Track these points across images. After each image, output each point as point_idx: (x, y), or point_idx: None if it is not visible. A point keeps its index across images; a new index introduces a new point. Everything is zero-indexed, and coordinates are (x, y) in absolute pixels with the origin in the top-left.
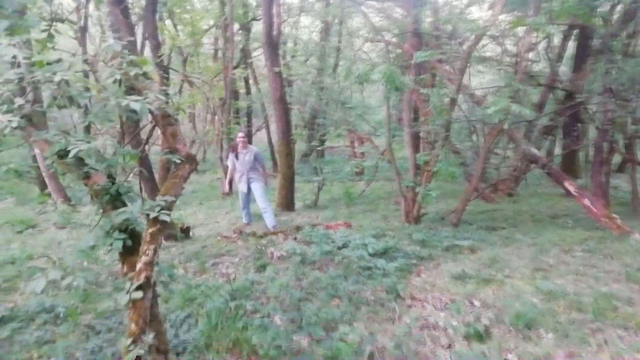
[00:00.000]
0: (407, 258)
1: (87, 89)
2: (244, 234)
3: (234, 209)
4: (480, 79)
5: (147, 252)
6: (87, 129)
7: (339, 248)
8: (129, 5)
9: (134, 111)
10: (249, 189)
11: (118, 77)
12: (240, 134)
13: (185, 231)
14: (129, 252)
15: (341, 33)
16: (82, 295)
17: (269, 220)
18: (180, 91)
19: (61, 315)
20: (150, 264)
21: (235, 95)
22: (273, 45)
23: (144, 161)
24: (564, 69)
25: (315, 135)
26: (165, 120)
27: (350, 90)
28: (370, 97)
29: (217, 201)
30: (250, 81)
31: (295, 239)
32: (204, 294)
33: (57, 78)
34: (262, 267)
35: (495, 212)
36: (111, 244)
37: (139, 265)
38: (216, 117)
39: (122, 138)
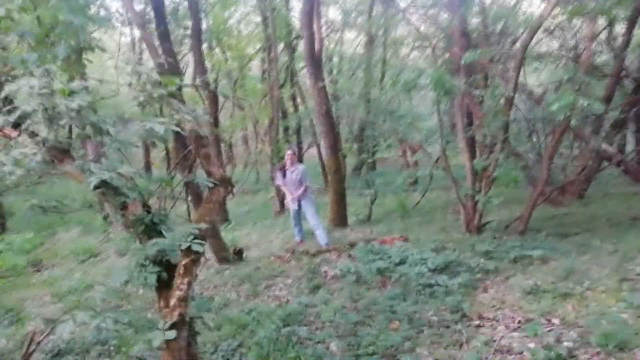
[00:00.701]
0: (472, 272)
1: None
2: (296, 253)
3: (286, 227)
4: (536, 78)
5: (180, 286)
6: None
7: (396, 264)
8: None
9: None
10: (299, 206)
11: (141, 99)
12: (289, 152)
13: (238, 253)
14: (165, 286)
15: (386, 44)
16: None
17: (321, 238)
18: (231, 115)
19: (112, 348)
20: (184, 300)
21: (284, 114)
22: (315, 60)
23: (192, 185)
24: (632, 57)
25: (364, 148)
26: (197, 142)
27: (399, 99)
28: (419, 105)
29: (270, 220)
30: (298, 99)
31: (350, 256)
32: (255, 320)
33: (74, 105)
34: (316, 288)
35: (565, 217)
36: (145, 278)
37: (172, 301)
38: (267, 137)
39: (168, 163)
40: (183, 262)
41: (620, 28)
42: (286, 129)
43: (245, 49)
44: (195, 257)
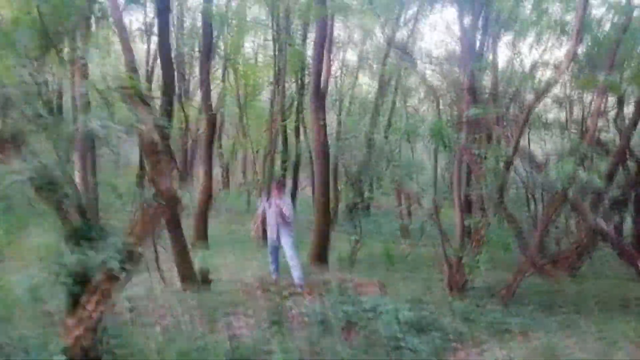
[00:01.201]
0: (445, 335)
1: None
2: (266, 290)
3: (265, 256)
4: (540, 147)
5: (87, 306)
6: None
7: (366, 311)
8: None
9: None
10: (278, 239)
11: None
12: (275, 184)
13: (206, 279)
14: (74, 303)
15: (396, 93)
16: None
17: (296, 275)
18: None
19: None
20: (87, 322)
21: (285, 146)
22: (320, 96)
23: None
24: (638, 139)
25: (358, 189)
26: (149, 148)
27: (399, 147)
28: (422, 156)
29: (251, 248)
30: (301, 134)
31: (320, 294)
32: (200, 349)
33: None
34: (277, 329)
35: (554, 292)
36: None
37: (70, 322)
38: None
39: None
40: (97, 280)
41: (629, 109)
42: (284, 161)
43: (257, 76)
44: (112, 276)
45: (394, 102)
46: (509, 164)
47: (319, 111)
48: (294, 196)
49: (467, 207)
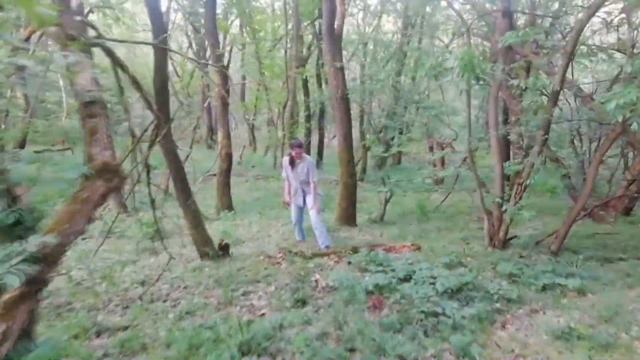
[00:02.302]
0: (489, 301)
1: None
2: (290, 254)
3: (291, 221)
4: (584, 76)
5: None
6: None
7: (399, 281)
8: None
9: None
10: (304, 202)
11: None
12: (295, 147)
13: (224, 248)
14: None
15: (422, 31)
16: None
17: (322, 239)
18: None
19: None
20: None
21: (307, 95)
22: (334, 36)
23: (175, 166)
24: None
25: (385, 139)
26: (86, 110)
27: (428, 90)
28: (455, 101)
29: (276, 211)
30: (323, 81)
31: (349, 263)
32: (210, 341)
33: None
34: (300, 302)
35: (608, 237)
36: None
37: None
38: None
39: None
40: (6, 297)
41: None
42: (308, 115)
43: (271, 25)
44: (26, 291)
45: (420, 41)
46: (555, 96)
47: (334, 54)
48: (320, 150)
49: (506, 149)
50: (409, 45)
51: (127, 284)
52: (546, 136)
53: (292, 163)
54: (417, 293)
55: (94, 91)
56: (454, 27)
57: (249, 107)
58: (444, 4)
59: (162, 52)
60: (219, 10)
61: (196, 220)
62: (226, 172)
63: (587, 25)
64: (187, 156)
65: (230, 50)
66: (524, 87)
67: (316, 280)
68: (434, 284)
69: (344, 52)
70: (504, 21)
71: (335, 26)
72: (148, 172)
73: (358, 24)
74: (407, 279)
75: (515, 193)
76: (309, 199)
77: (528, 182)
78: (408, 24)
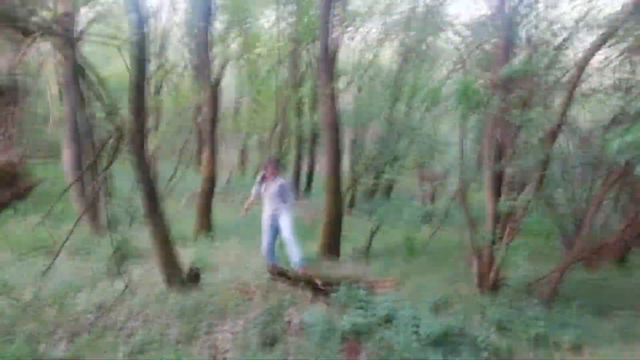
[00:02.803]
0: (476, 351)
1: None
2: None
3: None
4: (579, 115)
5: None
6: None
7: (380, 323)
8: None
9: None
10: (275, 222)
11: None
12: (269, 166)
13: (194, 276)
14: None
15: (421, 62)
16: None
17: (294, 254)
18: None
19: None
20: None
21: (299, 121)
22: (328, 60)
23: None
24: None
25: (376, 169)
26: None
27: (422, 123)
28: (448, 136)
29: (259, 238)
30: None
31: (326, 294)
32: None
33: None
34: (269, 343)
35: (602, 285)
36: None
37: None
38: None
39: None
40: None
41: None
42: (300, 138)
43: (265, 45)
44: None
45: (417, 71)
46: (553, 134)
47: (327, 77)
48: (310, 177)
49: (498, 187)
50: (406, 76)
51: (80, 309)
52: (543, 173)
53: (267, 183)
54: (398, 339)
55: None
56: (453, 59)
57: (240, 128)
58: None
59: (139, 51)
60: (219, 27)
61: (165, 242)
62: (207, 194)
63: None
64: (173, 175)
65: (223, 67)
66: (519, 123)
67: (289, 317)
68: (417, 327)
69: (342, 79)
70: (505, 52)
71: (331, 49)
72: (107, 188)
73: (355, 55)
74: (388, 320)
75: (508, 233)
76: (281, 217)
77: (521, 222)
78: (406, 55)
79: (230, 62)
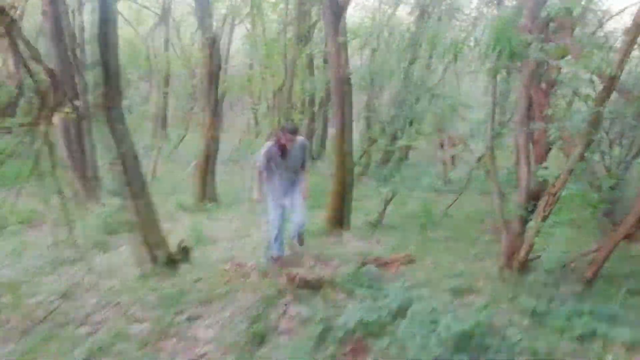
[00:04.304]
0: (509, 352)
1: None
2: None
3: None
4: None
5: None
6: None
7: (393, 315)
8: None
9: None
10: (290, 201)
11: None
12: (288, 134)
13: (183, 252)
14: None
15: (441, 13)
16: None
17: (294, 232)
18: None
19: None
20: None
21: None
22: (337, 7)
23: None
24: None
25: (392, 132)
26: None
27: (443, 80)
28: (470, 95)
29: (265, 204)
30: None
31: (331, 284)
32: None
33: None
34: (257, 339)
35: None
36: None
37: None
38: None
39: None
40: None
41: None
42: (312, 98)
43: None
44: None
45: (436, 26)
46: (611, 84)
47: (335, 27)
48: (323, 140)
49: (538, 152)
50: (424, 32)
51: (41, 297)
52: (595, 132)
53: (284, 151)
54: (413, 338)
55: None
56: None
57: (252, 92)
58: None
59: None
60: None
61: (147, 217)
62: (209, 159)
63: None
64: (182, 138)
65: (224, 23)
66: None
67: (284, 307)
68: (435, 323)
69: (357, 40)
70: None
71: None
72: (51, 151)
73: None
74: (402, 312)
75: (545, 205)
76: (296, 193)
77: (562, 192)
78: (425, 12)
79: (239, 24)
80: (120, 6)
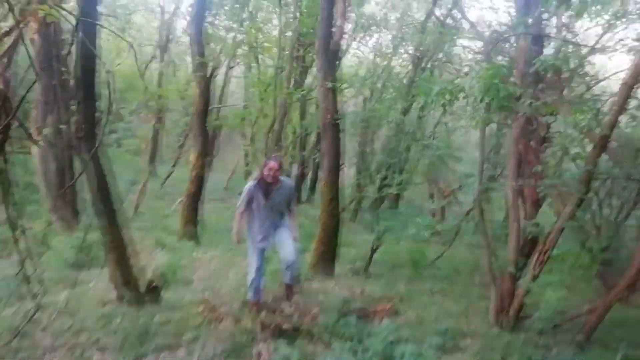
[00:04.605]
0: None
1: None
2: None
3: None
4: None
5: None
6: None
7: None
8: None
9: None
10: (271, 241)
11: None
12: (272, 163)
13: (152, 292)
14: None
15: (435, 65)
16: None
17: (288, 275)
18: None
19: None
20: None
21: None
22: (329, 52)
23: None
24: None
25: (381, 178)
26: None
27: (434, 132)
28: (461, 150)
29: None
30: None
31: (308, 334)
32: None
33: None
34: None
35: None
36: None
37: None
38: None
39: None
40: None
41: None
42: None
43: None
44: None
45: (431, 73)
46: (603, 143)
47: (326, 72)
48: (314, 183)
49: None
50: (418, 81)
51: None
52: (587, 190)
53: (267, 191)
54: None
55: None
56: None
57: (242, 131)
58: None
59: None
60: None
61: (116, 250)
62: (194, 196)
63: None
64: (169, 174)
65: (215, 61)
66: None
67: (258, 355)
68: None
69: (350, 90)
70: (534, 47)
71: (332, 42)
72: (4, 179)
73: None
74: None
75: (536, 263)
76: (283, 231)
77: (553, 250)
78: (418, 65)
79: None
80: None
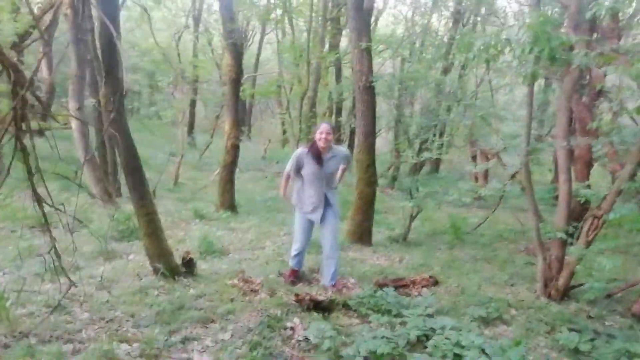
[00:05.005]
0: None
1: None
2: (275, 293)
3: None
4: None
5: None
6: None
7: (410, 346)
8: None
9: None
10: (321, 216)
11: None
12: (325, 125)
13: (188, 265)
14: None
15: (475, 25)
16: None
17: (328, 274)
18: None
19: None
20: None
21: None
22: (362, 11)
23: None
24: None
25: (420, 144)
26: None
27: (476, 92)
28: (505, 109)
29: (284, 215)
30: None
31: (345, 306)
32: None
33: None
34: None
35: None
36: None
37: None
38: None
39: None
40: None
41: None
42: (338, 105)
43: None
44: None
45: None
46: None
47: (360, 32)
48: (351, 148)
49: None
50: (458, 38)
51: (34, 307)
52: None
53: (320, 157)
54: None
55: None
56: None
57: (278, 98)
58: None
59: None
60: None
61: (149, 225)
62: (230, 167)
63: None
64: (207, 145)
65: (246, 27)
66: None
67: (292, 330)
68: (460, 359)
69: (387, 52)
70: None
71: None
72: (25, 157)
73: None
74: (421, 344)
75: (589, 229)
76: (330, 213)
77: (609, 216)
78: (459, 20)
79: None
80: (152, 12)
